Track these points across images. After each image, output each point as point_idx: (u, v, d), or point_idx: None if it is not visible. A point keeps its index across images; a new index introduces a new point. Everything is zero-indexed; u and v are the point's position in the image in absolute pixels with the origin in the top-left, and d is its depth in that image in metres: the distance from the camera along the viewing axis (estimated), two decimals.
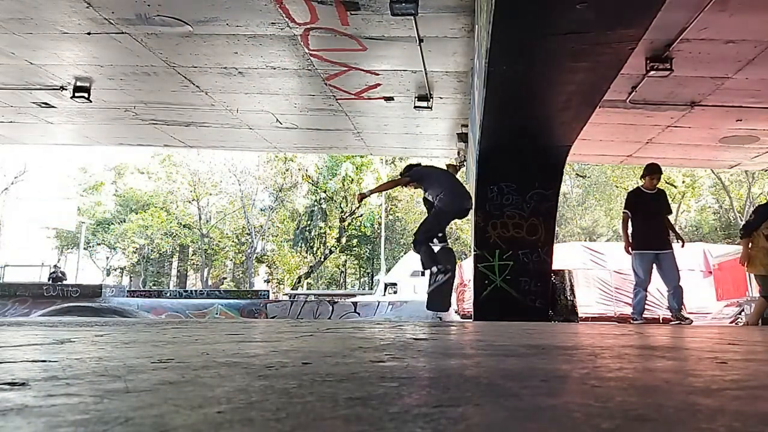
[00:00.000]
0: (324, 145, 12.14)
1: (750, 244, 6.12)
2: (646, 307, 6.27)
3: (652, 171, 6.18)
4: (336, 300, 16.45)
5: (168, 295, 17.39)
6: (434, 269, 5.77)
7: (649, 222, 6.06)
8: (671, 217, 6.56)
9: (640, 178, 6.36)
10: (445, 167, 7.56)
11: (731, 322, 10.46)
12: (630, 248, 6.13)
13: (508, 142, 6.85)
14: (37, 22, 6.36)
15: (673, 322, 6.20)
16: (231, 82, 8.02)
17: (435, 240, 5.97)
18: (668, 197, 6.70)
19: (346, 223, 31.79)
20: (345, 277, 38.43)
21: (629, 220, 6.22)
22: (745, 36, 6.02)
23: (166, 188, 34.48)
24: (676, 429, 0.81)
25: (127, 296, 15.64)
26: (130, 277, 36.70)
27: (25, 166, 33.04)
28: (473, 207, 6.20)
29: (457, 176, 6.82)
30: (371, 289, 27.28)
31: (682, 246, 6.39)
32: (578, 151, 8.98)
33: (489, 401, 1.00)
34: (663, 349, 2.42)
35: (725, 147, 9.95)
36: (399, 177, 6.45)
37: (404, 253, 25.85)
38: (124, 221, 34.07)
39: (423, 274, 5.96)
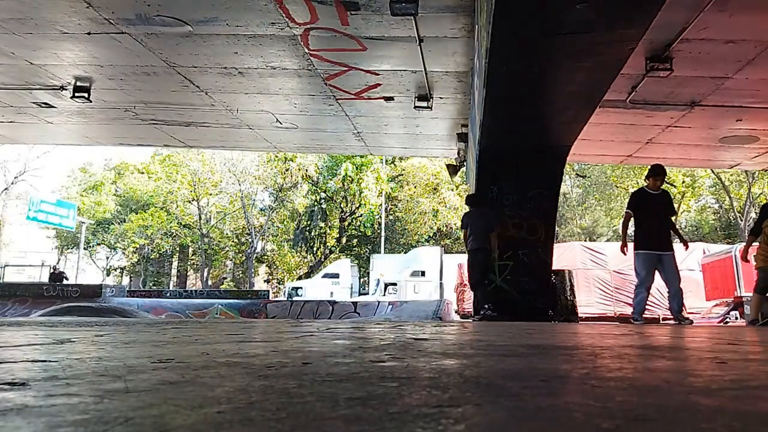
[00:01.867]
0: (324, 145, 12.14)
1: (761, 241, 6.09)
2: (646, 307, 6.26)
3: (656, 172, 6.17)
4: (335, 300, 16.44)
5: (168, 295, 17.36)
6: (482, 310, 6.94)
7: (652, 222, 6.05)
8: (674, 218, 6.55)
9: (645, 179, 6.34)
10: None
11: (719, 322, 10.47)
12: (626, 248, 6.12)
13: (508, 142, 6.85)
14: (37, 22, 6.36)
15: (674, 323, 6.19)
16: (231, 82, 8.02)
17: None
18: (672, 198, 6.69)
19: (346, 223, 31.76)
20: None
21: (631, 219, 6.21)
22: (745, 36, 6.02)
23: (166, 188, 34.43)
24: (676, 429, 0.81)
25: (127, 296, 15.60)
26: (130, 277, 36.67)
27: (25, 166, 33.10)
28: (483, 246, 6.94)
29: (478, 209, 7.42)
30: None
31: (686, 248, 6.37)
32: (578, 151, 8.98)
33: (489, 401, 1.00)
34: (663, 349, 2.42)
35: (725, 147, 9.94)
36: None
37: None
38: (124, 221, 34.03)
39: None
